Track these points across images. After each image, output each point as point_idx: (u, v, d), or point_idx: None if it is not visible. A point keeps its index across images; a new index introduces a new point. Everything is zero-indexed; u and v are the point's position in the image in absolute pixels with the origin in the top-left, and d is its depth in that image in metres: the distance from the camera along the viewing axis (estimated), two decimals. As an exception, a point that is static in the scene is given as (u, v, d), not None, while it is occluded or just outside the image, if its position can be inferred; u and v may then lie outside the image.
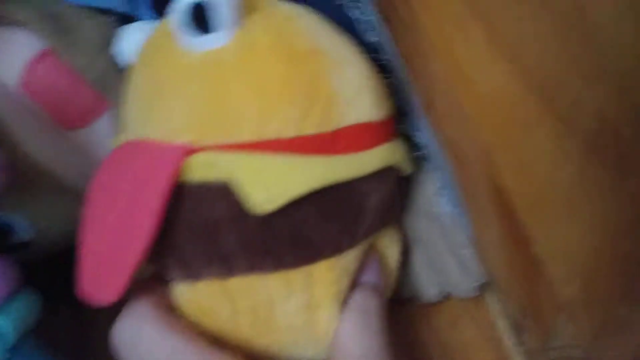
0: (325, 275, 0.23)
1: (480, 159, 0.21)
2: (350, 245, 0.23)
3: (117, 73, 0.30)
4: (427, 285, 0.29)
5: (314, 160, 0.22)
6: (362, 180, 0.23)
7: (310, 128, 0.22)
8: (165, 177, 0.21)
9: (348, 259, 0.23)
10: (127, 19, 0.32)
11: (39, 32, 0.29)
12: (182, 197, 0.21)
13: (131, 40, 0.28)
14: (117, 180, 0.22)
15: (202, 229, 0.22)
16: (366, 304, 0.24)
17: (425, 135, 0.27)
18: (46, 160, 0.27)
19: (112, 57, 0.29)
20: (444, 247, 0.28)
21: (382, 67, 0.30)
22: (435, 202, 0.27)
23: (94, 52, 0.29)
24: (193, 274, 0.23)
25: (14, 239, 0.27)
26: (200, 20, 0.21)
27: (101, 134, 0.30)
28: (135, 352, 0.23)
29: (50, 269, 0.29)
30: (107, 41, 0.30)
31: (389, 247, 0.26)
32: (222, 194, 0.21)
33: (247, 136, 0.21)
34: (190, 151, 0.21)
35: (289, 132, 0.21)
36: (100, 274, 0.21)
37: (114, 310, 0.34)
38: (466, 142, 0.22)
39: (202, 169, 0.21)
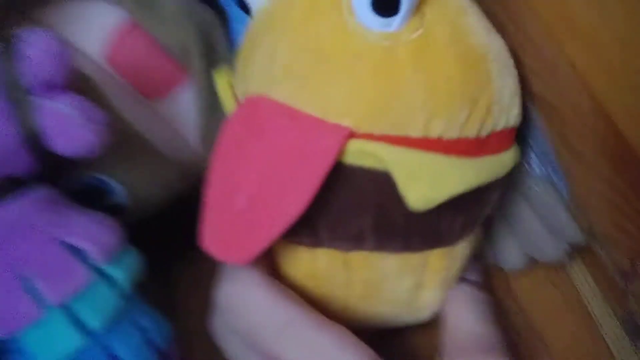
0: (439, 262, 0.24)
1: (587, 107, 0.22)
2: (468, 235, 0.24)
3: (198, 45, 0.30)
4: (512, 253, 0.29)
5: (468, 163, 0.22)
6: (493, 188, 0.23)
7: (469, 131, 0.22)
8: (328, 159, 0.20)
9: (460, 248, 0.25)
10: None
11: (121, 3, 0.29)
12: (332, 177, 0.21)
13: None
14: (256, 142, 0.22)
15: (344, 210, 0.22)
16: (477, 294, 0.26)
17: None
18: (138, 127, 0.28)
19: (193, 29, 0.30)
20: (531, 214, 0.28)
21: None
22: (525, 169, 0.27)
23: (174, 24, 0.30)
24: (320, 243, 0.23)
25: (110, 202, 0.28)
26: (383, 2, 0.20)
27: (181, 105, 0.31)
28: (245, 318, 0.23)
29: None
30: (187, 13, 0.30)
31: None
32: (373, 180, 0.21)
33: (412, 132, 0.21)
34: (353, 136, 0.21)
35: (452, 133, 0.21)
36: (237, 234, 0.22)
37: (195, 276, 0.34)
38: (569, 95, 0.22)
39: (360, 155, 0.21)
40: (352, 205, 0.22)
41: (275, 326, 0.22)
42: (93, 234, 0.24)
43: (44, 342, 0.23)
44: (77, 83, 0.25)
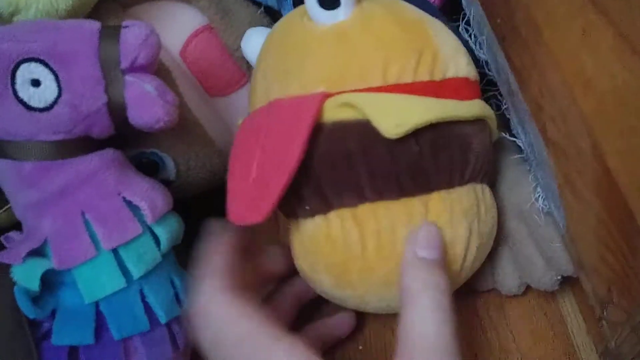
0: (439, 205, 0.27)
1: (588, 151, 0.25)
2: (460, 181, 0.28)
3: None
4: (510, 278, 0.32)
5: (430, 100, 0.26)
6: (465, 124, 0.27)
7: (423, 76, 0.27)
8: (312, 113, 0.25)
9: (457, 195, 0.28)
10: (273, 11, 0.37)
11: (203, 9, 0.34)
12: (320, 135, 0.26)
13: (254, 42, 0.33)
14: (263, 126, 0.27)
15: (337, 161, 0.26)
16: (439, 298, 0.25)
17: (526, 139, 0.31)
18: (200, 116, 0.32)
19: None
20: (531, 243, 0.31)
21: (488, 82, 0.34)
22: (529, 200, 0.31)
23: (243, 33, 0.34)
24: (328, 202, 0.27)
25: (161, 175, 0.32)
26: (327, 1, 0.27)
27: (238, 104, 0.35)
28: (207, 331, 0.25)
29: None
30: (256, 24, 0.35)
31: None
32: (354, 130, 0.26)
33: (374, 82, 0.26)
34: (327, 96, 0.26)
35: (407, 77, 0.26)
36: (252, 198, 0.26)
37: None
38: (575, 139, 0.26)
39: (337, 110, 0.26)
40: (344, 157, 0.26)
41: (233, 339, 0.24)
42: (148, 195, 0.29)
43: (93, 279, 0.27)
44: (159, 70, 0.29)
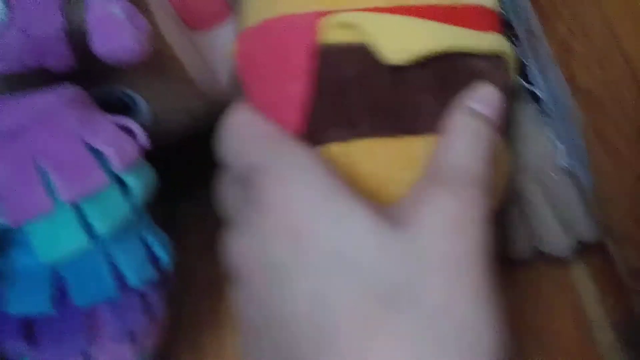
0: None
1: (631, 101, 0.22)
2: None
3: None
4: (521, 241, 0.29)
5: (441, 25, 0.23)
6: (480, 58, 0.24)
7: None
8: (307, 41, 0.22)
9: None
10: None
11: None
12: (317, 59, 0.22)
13: None
14: (261, 55, 0.24)
15: (332, 88, 0.23)
16: (483, 130, 0.22)
17: (547, 87, 0.27)
18: (179, 52, 0.28)
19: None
20: (547, 205, 0.28)
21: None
22: (547, 157, 0.28)
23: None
24: (319, 136, 0.23)
25: (132, 119, 0.28)
26: None
27: (221, 40, 0.31)
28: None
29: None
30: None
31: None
32: (354, 55, 0.22)
33: (380, 2, 0.22)
34: (324, 14, 0.22)
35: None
36: None
37: (199, 216, 0.34)
38: (614, 87, 0.23)
39: (336, 31, 0.22)
40: (338, 85, 0.23)
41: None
42: (116, 140, 0.25)
43: (49, 237, 0.23)
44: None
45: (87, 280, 0.24)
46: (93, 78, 0.26)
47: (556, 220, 0.28)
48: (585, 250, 0.30)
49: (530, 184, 0.29)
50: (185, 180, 0.34)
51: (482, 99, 0.23)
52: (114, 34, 0.23)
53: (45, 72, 0.24)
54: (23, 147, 0.23)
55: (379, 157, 0.23)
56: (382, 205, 0.21)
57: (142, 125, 0.28)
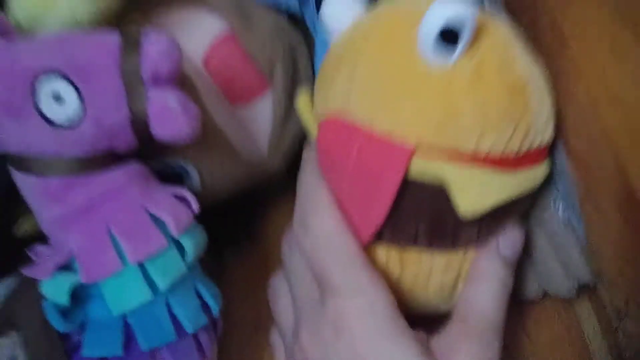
0: (475, 255, 0.28)
1: (611, 166, 0.25)
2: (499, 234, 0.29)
3: (283, 62, 0.34)
4: (530, 285, 0.32)
5: (508, 177, 0.25)
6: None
7: (511, 148, 0.25)
8: (398, 178, 0.25)
9: None
10: (294, 19, 0.37)
11: (224, 15, 0.34)
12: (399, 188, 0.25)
13: (336, 9, 0.30)
14: (343, 161, 0.26)
15: (405, 214, 0.26)
16: (502, 274, 0.28)
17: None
18: (222, 126, 0.32)
19: (281, 46, 0.34)
20: (551, 252, 0.31)
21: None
22: (549, 208, 0.31)
23: (265, 39, 0.34)
24: (381, 235, 0.27)
25: (186, 186, 0.32)
26: (445, 36, 0.24)
27: (259, 113, 0.35)
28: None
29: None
30: (278, 31, 0.35)
31: None
32: (431, 193, 0.25)
33: (466, 147, 0.25)
34: (413, 153, 0.25)
35: (498, 149, 0.25)
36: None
37: (244, 266, 0.38)
38: (598, 152, 0.26)
39: (420, 172, 0.25)
40: (412, 212, 0.26)
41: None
42: (173, 208, 0.29)
43: (119, 292, 0.28)
44: (180, 80, 0.29)
45: (151, 327, 0.28)
46: (153, 153, 0.31)
47: (560, 266, 0.31)
48: (588, 290, 0.33)
49: (536, 232, 0.32)
50: (229, 233, 0.38)
51: (511, 245, 0.29)
52: (171, 122, 0.27)
53: (113, 152, 0.29)
54: (97, 218, 0.28)
55: (425, 263, 0.28)
56: (428, 338, 0.27)
57: (193, 192, 0.32)
